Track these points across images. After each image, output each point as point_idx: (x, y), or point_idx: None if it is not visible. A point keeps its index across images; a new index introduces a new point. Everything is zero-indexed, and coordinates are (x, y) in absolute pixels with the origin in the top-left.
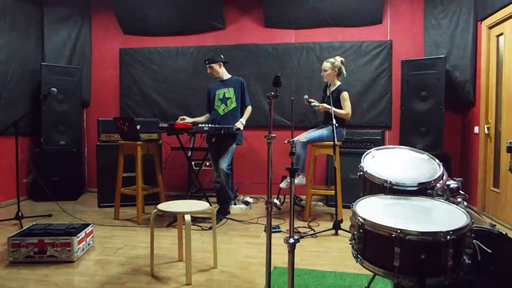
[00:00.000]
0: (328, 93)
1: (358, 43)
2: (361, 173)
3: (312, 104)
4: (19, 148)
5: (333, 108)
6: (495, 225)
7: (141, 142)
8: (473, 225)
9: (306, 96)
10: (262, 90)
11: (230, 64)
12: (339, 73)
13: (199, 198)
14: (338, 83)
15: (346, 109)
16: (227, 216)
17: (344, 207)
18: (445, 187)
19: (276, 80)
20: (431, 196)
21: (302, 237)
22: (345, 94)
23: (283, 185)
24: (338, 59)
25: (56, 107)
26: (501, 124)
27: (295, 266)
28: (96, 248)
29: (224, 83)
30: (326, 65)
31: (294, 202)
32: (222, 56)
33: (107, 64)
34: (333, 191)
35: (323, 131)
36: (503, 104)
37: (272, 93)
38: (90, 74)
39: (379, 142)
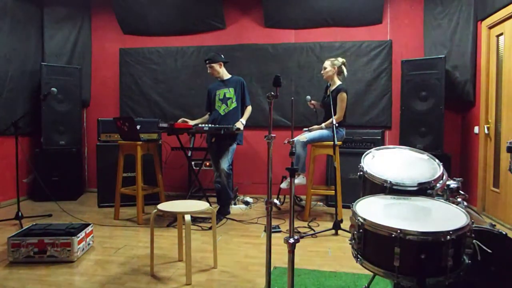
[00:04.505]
0: (328, 93)
1: (358, 43)
2: (361, 173)
3: (315, 106)
4: (19, 148)
5: (326, 123)
6: (495, 225)
7: (141, 142)
8: (473, 225)
9: (308, 97)
10: (262, 90)
11: (230, 64)
12: (339, 72)
13: (199, 198)
14: (338, 82)
15: (338, 111)
16: (227, 216)
17: (344, 207)
18: (445, 187)
19: (276, 80)
20: (431, 196)
21: (302, 237)
22: (342, 95)
23: (283, 185)
24: (340, 59)
25: (56, 107)
26: (501, 124)
27: (295, 266)
28: (96, 248)
29: (224, 83)
30: (326, 63)
31: (294, 202)
32: (222, 56)
33: (107, 64)
34: (333, 191)
35: (323, 131)
36: (503, 104)
37: (272, 93)
38: (90, 74)
39: (379, 142)
